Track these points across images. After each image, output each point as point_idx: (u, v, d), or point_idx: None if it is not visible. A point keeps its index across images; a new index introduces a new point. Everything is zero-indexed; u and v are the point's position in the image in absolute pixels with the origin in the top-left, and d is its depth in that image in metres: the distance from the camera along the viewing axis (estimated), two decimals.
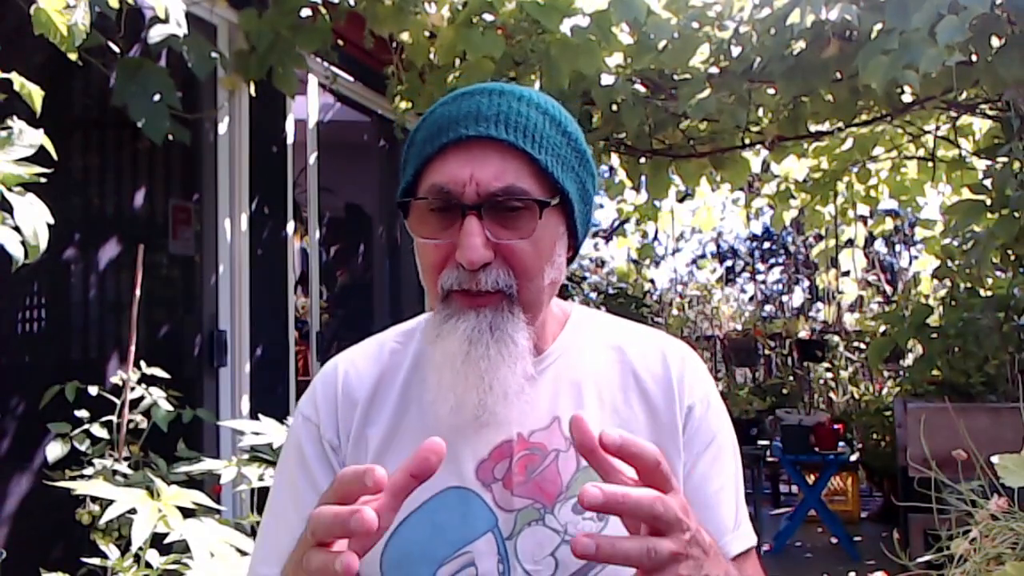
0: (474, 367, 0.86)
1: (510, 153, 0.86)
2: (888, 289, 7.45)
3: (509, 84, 0.93)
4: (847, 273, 6.80)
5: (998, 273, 4.28)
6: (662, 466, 0.67)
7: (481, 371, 0.86)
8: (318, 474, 0.96)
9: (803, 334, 7.17)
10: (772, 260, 14.14)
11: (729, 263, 14.04)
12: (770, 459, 5.79)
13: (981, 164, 4.42)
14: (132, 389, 2.37)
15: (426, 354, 0.95)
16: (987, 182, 3.42)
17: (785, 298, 11.16)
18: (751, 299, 9.99)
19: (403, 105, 3.74)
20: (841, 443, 5.14)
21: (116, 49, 2.55)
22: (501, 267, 0.87)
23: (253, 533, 2.07)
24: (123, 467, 2.26)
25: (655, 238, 8.59)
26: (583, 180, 0.93)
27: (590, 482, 0.64)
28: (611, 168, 5.16)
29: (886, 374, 6.26)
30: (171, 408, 2.41)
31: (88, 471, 2.21)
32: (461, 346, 0.87)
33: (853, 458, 5.34)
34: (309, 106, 3.80)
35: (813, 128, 4.05)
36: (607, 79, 3.47)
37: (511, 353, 0.87)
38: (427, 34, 3.45)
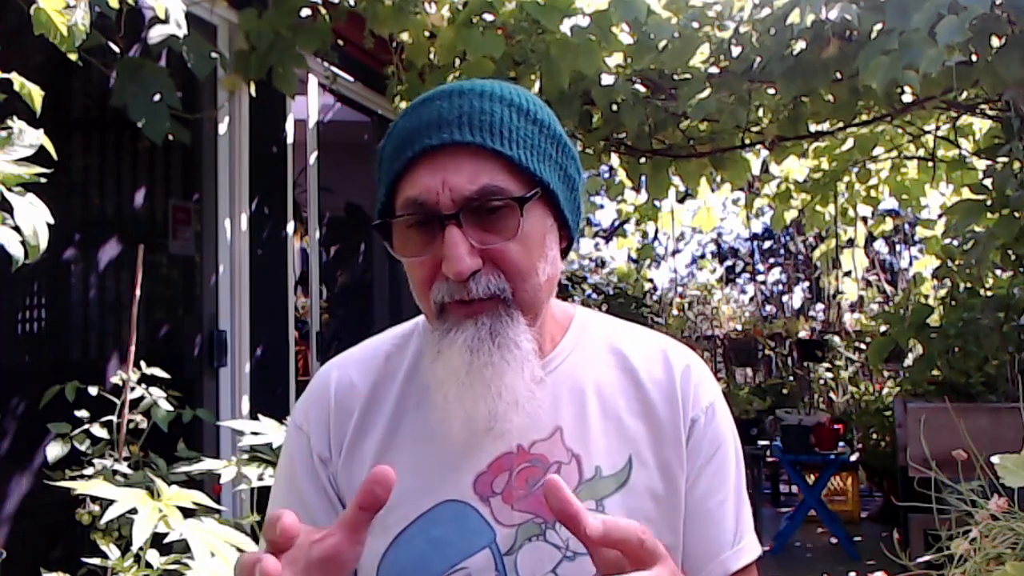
0: (479, 376, 0.83)
1: (480, 154, 0.83)
2: (888, 289, 7.45)
3: (470, 81, 0.88)
4: (848, 273, 6.81)
5: (998, 273, 4.28)
6: (646, 543, 0.66)
7: (487, 379, 0.83)
8: (306, 488, 0.94)
9: (803, 334, 7.18)
10: (772, 260, 14.13)
11: (729, 263, 14.02)
12: (770, 459, 5.79)
13: (981, 164, 4.42)
14: (132, 389, 2.37)
15: (422, 359, 0.93)
16: (987, 182, 3.41)
17: (785, 298, 11.15)
18: (751, 299, 9.98)
19: (403, 105, 3.73)
20: (841, 443, 5.14)
21: (116, 49, 2.55)
22: (492, 272, 0.83)
23: (253, 533, 2.07)
24: (123, 467, 2.26)
25: (655, 238, 8.57)
26: (564, 166, 0.89)
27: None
28: (611, 168, 5.16)
29: (886, 374, 6.26)
30: (171, 408, 2.41)
31: (88, 471, 2.21)
32: (463, 357, 0.83)
33: (853, 458, 5.34)
34: (309, 106, 3.80)
35: (813, 128, 4.04)
36: (607, 79, 3.47)
37: (516, 358, 0.84)
38: (427, 34, 3.45)
